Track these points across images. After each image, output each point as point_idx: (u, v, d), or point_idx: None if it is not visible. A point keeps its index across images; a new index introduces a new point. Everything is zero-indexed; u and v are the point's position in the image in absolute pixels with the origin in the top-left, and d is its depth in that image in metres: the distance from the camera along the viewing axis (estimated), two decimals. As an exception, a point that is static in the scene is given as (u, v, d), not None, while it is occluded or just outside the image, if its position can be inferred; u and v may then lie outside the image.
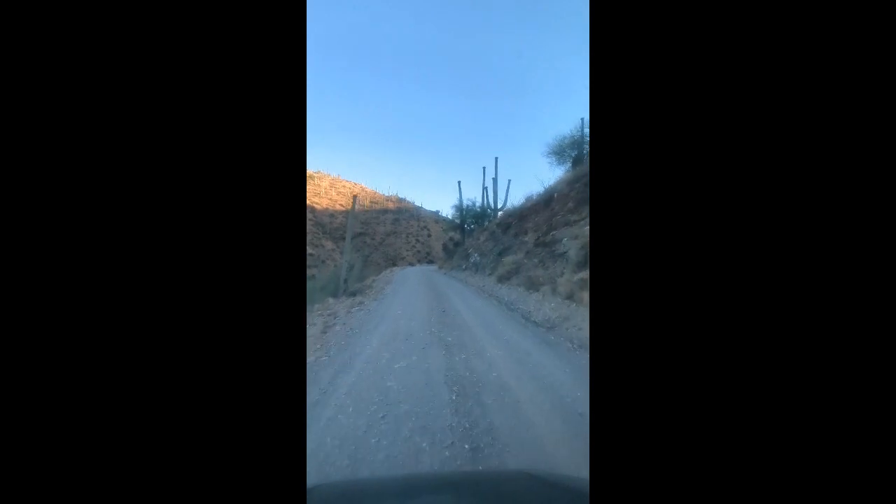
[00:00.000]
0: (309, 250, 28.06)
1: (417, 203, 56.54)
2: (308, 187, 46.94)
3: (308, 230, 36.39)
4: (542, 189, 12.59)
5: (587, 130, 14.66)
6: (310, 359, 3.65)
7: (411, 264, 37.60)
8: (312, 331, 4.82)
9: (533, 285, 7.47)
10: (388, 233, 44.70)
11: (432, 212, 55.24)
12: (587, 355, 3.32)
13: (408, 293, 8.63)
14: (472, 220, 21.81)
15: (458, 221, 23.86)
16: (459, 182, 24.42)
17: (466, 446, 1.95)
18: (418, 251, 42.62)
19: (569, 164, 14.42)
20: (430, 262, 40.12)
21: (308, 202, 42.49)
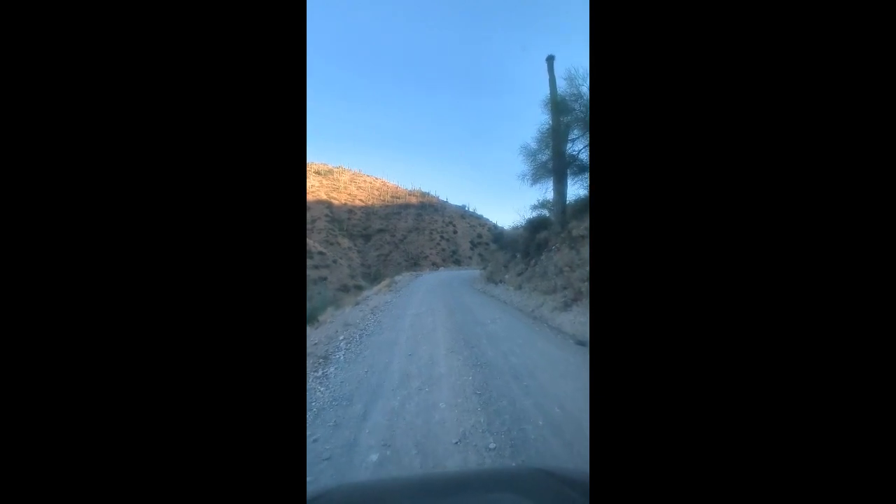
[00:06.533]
0: (321, 249, 28.36)
1: (443, 198, 56.87)
2: (326, 182, 48.20)
3: (323, 227, 37.23)
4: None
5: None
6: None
7: (434, 266, 36.69)
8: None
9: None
10: (410, 229, 44.71)
11: (458, 206, 55.39)
12: None
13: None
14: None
15: (546, 141, 10.07)
16: (551, 58, 10.79)
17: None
18: (443, 249, 42.40)
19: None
20: (457, 261, 39.81)
21: (325, 197, 43.58)
